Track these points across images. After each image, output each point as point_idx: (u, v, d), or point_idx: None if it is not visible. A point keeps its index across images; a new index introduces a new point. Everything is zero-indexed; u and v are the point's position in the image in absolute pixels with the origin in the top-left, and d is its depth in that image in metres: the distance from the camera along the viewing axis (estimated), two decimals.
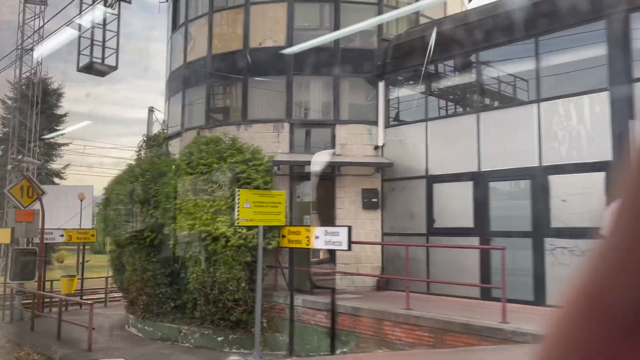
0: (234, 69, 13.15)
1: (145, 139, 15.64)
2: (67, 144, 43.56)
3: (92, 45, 11.87)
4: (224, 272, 11.07)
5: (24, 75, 34.41)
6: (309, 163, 12.24)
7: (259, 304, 11.21)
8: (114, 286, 21.10)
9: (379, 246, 12.45)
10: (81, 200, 31.03)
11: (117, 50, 12.53)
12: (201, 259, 11.33)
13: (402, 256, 12.30)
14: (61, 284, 18.19)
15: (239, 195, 10.92)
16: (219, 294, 11.20)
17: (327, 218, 12.54)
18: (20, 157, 25.62)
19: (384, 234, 12.62)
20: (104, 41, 12.02)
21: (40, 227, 16.93)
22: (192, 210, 11.10)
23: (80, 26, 12.32)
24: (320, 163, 12.80)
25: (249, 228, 11.03)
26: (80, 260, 30.86)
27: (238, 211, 10.94)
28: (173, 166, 11.69)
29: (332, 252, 12.59)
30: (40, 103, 34.78)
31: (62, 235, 18.46)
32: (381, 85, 12.83)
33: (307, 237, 11.14)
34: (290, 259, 11.48)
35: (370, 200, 12.47)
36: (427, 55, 11.46)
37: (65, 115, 42.00)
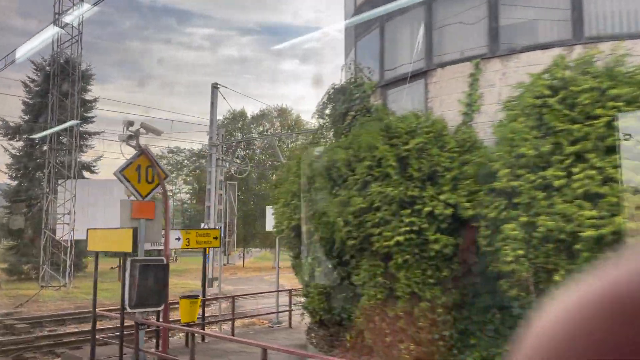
0: None
1: (332, 91, 10.21)
2: (98, 133, 37.95)
3: None
4: None
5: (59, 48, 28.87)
6: None
7: None
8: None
9: None
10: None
11: None
12: None
13: None
14: (180, 309, 12.67)
15: None
16: None
17: None
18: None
19: None
20: None
21: (164, 228, 11.62)
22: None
23: None
24: None
25: None
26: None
27: None
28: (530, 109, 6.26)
29: None
30: (80, 80, 29.38)
31: (178, 239, 13.10)
32: None
33: None
34: None
35: None
36: None
37: (95, 100, 36.54)
